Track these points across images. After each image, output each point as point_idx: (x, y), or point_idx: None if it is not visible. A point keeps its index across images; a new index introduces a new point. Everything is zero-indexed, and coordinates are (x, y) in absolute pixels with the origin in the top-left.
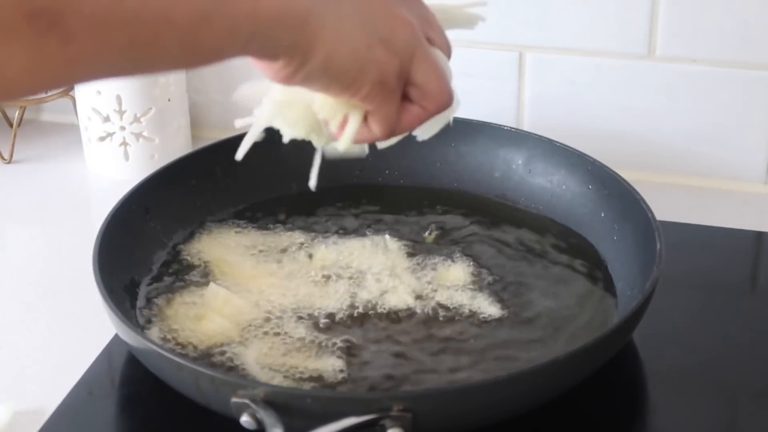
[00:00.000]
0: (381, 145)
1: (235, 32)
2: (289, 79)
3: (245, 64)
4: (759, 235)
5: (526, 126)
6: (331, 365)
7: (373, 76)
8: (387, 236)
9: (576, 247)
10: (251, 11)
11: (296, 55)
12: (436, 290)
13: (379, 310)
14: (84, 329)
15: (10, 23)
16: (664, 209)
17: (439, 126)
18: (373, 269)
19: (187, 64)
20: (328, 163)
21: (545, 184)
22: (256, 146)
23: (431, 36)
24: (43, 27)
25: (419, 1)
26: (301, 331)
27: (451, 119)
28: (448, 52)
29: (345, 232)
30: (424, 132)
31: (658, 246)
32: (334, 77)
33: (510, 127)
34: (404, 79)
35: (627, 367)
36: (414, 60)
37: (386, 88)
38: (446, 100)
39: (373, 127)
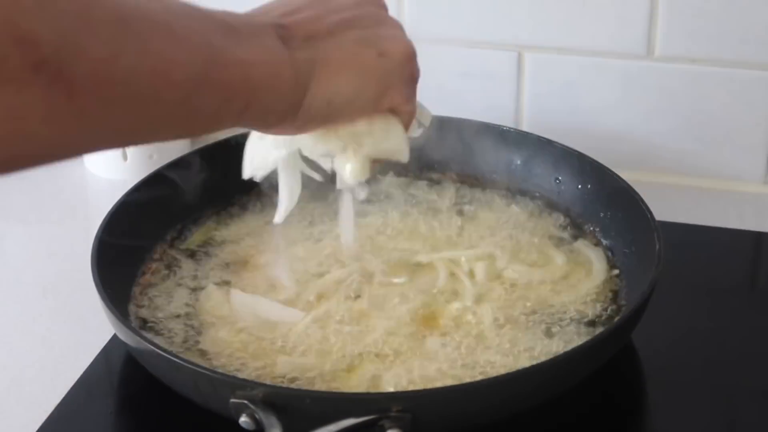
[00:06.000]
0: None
1: (231, 100)
2: (298, 131)
3: None
4: (759, 235)
5: (525, 126)
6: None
7: (402, 75)
8: None
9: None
10: (243, 78)
11: (291, 116)
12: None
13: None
14: (82, 329)
15: (19, 73)
16: (664, 209)
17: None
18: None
19: (188, 128)
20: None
21: (544, 184)
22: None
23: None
24: (48, 78)
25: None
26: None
27: (427, 123)
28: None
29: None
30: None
31: (658, 246)
32: (348, 106)
33: (509, 128)
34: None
35: (627, 367)
36: None
37: (414, 80)
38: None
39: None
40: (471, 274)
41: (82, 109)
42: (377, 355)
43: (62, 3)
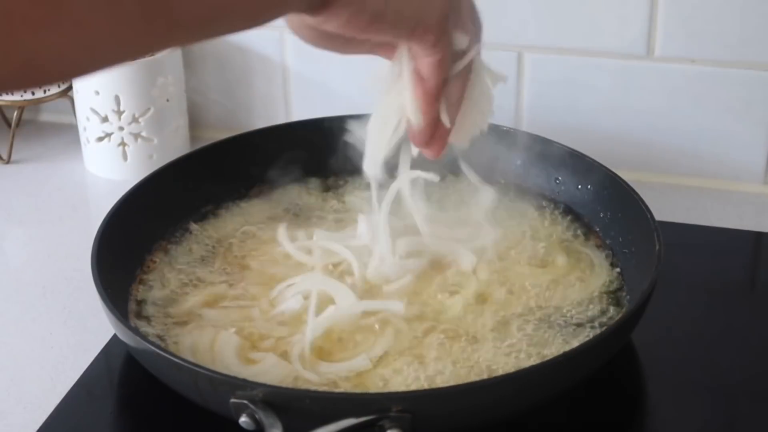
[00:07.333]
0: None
1: None
2: (355, 25)
3: (245, 65)
4: (758, 235)
5: (525, 126)
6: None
7: (436, 14)
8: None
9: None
10: None
11: (353, 2)
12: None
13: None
14: (82, 329)
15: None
16: (664, 209)
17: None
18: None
19: (256, 23)
20: (327, 166)
21: (544, 185)
22: (252, 148)
23: None
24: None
25: None
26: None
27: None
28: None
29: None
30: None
31: (657, 246)
32: (398, 14)
33: (509, 128)
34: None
35: (627, 367)
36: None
37: (445, 28)
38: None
39: (433, 75)
40: (473, 273)
41: (176, 23)
42: (379, 355)
43: None
